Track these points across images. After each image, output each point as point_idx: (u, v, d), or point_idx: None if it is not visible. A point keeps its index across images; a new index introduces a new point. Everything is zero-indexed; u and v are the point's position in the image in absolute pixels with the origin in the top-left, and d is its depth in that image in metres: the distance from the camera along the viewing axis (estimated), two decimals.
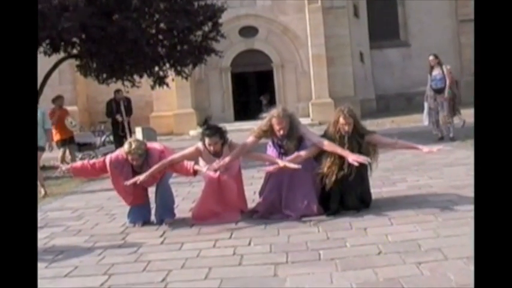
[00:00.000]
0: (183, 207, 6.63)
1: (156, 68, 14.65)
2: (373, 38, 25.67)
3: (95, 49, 13.18)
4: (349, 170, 5.54)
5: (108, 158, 5.91)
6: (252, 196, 6.66)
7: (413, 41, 26.25)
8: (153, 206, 6.18)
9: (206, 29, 14.80)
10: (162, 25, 13.87)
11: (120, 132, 13.76)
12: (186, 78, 15.82)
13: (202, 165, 5.82)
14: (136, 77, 14.71)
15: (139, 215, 6.06)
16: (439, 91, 11.67)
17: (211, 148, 5.74)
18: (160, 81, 15.04)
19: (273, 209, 5.81)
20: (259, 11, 24.10)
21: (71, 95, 22.90)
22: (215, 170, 5.63)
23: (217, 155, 5.81)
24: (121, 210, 6.84)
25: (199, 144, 5.84)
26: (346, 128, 5.59)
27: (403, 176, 7.90)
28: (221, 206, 5.86)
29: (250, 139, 5.82)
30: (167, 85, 15.49)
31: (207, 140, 5.72)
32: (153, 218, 6.12)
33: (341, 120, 5.60)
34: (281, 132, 5.70)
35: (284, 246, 4.80)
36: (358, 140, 5.66)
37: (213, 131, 5.75)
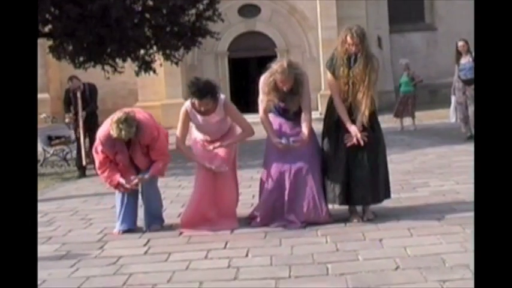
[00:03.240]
0: (171, 211, 6.65)
1: (142, 51, 14.63)
2: (393, 21, 25.66)
3: (70, 28, 13.16)
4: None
5: (99, 145, 5.94)
6: (251, 200, 6.67)
7: (440, 24, 26.23)
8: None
9: (201, 7, 14.78)
10: (149, 2, 13.84)
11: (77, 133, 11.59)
12: (177, 63, 15.83)
13: (196, 136, 6.07)
14: (118, 61, 14.69)
15: (130, 221, 6.09)
16: (469, 82, 11.66)
17: (202, 109, 5.85)
18: (146, 66, 15.04)
19: (274, 215, 5.81)
20: None
21: (42, 80, 22.87)
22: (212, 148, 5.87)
23: (207, 113, 5.90)
24: (99, 214, 6.86)
25: (187, 105, 5.94)
26: (353, 48, 5.66)
27: (425, 180, 7.91)
28: (215, 210, 5.87)
29: (262, 116, 5.89)
30: (154, 71, 15.49)
31: (196, 102, 5.82)
32: (139, 224, 6.15)
33: (348, 39, 5.68)
34: (285, 89, 5.78)
35: (287, 259, 4.81)
36: (367, 62, 5.68)
37: (203, 92, 5.76)
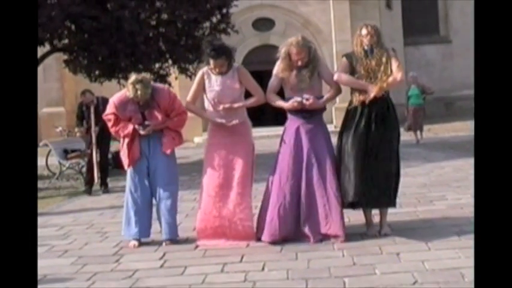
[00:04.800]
0: (186, 225, 6.66)
1: (157, 65, 14.71)
2: (408, 33, 25.62)
3: (85, 42, 13.25)
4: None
5: (112, 107, 6.09)
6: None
7: (455, 36, 26.15)
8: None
9: (214, 19, 14.85)
10: (163, 16, 13.92)
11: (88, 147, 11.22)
12: (191, 77, 15.87)
13: (207, 105, 6.09)
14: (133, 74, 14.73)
15: (139, 230, 6.06)
16: None
17: (217, 70, 5.93)
18: (161, 79, 15.10)
19: (288, 228, 5.75)
20: (276, 0, 24.17)
21: (58, 94, 23.05)
22: (223, 109, 5.92)
23: (222, 74, 5.97)
24: (114, 227, 6.88)
25: (204, 68, 6.05)
26: (368, 38, 5.79)
27: (442, 193, 7.87)
28: (229, 219, 5.83)
29: (271, 87, 6.06)
30: (169, 84, 15.54)
31: (211, 62, 5.90)
32: (152, 236, 6.14)
33: (363, 31, 5.83)
34: (299, 63, 5.87)
35: (303, 272, 4.80)
36: (383, 52, 5.79)
37: (219, 52, 5.86)
